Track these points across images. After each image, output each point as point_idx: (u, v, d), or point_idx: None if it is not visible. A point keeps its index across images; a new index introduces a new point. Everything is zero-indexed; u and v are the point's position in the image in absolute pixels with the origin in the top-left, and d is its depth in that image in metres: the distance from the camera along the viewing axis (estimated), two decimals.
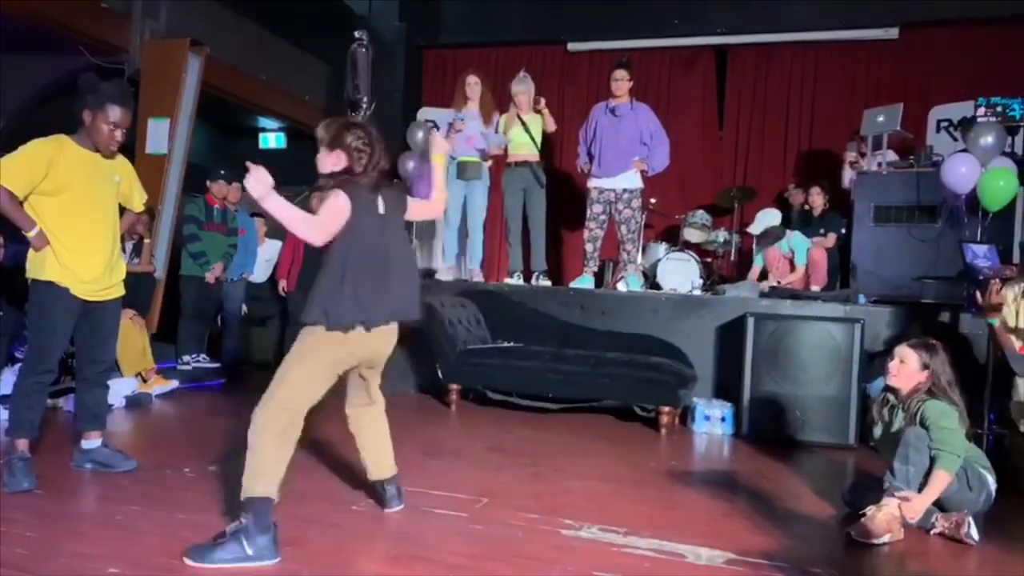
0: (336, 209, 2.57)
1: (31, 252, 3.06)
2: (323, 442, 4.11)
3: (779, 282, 6.27)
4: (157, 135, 6.77)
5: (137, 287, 5.14)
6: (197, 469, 3.40)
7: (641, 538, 2.74)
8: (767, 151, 8.25)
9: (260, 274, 7.14)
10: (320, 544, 2.56)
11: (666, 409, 4.78)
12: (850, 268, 5.89)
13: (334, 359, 2.65)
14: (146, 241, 5.92)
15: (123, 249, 5.65)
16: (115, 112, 3.11)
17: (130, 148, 3.48)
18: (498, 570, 2.40)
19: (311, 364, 2.58)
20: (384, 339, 2.79)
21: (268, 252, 7.22)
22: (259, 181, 2.45)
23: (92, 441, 3.30)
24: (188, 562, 2.33)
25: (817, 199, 6.87)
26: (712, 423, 4.90)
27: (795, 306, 5.28)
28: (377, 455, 3.01)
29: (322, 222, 2.57)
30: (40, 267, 3.05)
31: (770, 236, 6.43)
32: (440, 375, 5.35)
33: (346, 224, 2.59)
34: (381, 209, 2.72)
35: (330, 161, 2.70)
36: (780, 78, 8.22)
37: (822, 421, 4.66)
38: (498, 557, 2.50)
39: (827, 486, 3.65)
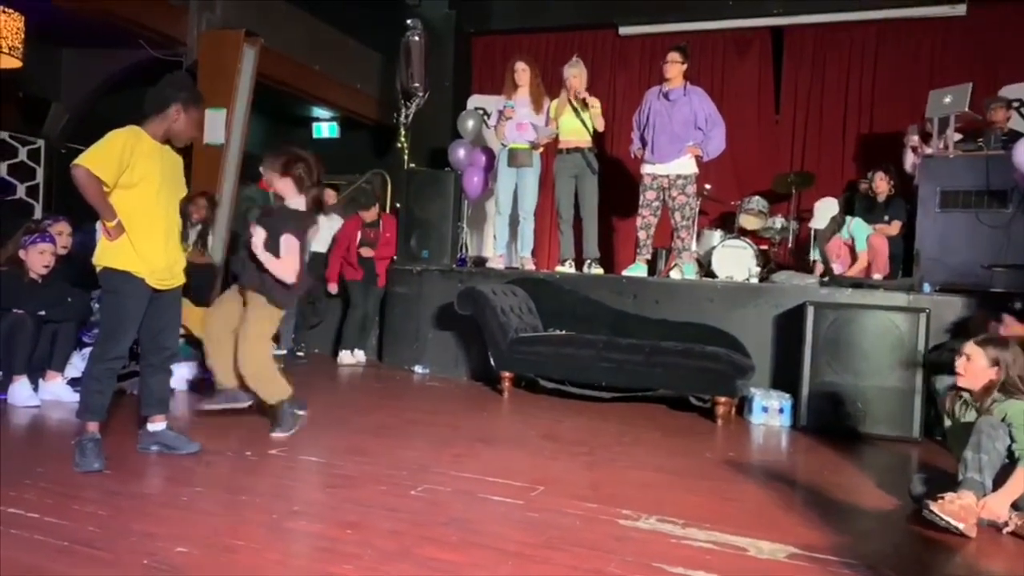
0: None
1: (102, 241, 3.14)
2: (381, 428, 4.16)
3: (842, 272, 6.09)
4: (214, 126, 6.90)
5: (198, 277, 5.24)
6: (258, 452, 3.46)
7: (700, 530, 2.70)
8: (826, 135, 8.03)
9: (322, 244, 7.12)
10: (379, 527, 2.58)
11: (722, 399, 4.70)
12: (914, 255, 5.70)
13: None
14: (192, 229, 5.99)
15: (186, 237, 5.78)
16: (201, 111, 3.35)
17: None
18: (557, 559, 2.39)
19: None
20: None
21: (333, 223, 7.22)
22: None
23: (157, 424, 3.39)
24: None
25: (881, 184, 6.63)
26: (770, 414, 4.81)
27: (856, 295, 5.14)
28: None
29: None
30: (116, 256, 3.12)
31: (829, 229, 6.27)
32: (492, 363, 5.35)
33: None
34: None
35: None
36: (839, 59, 7.98)
37: (885, 413, 4.54)
38: (556, 546, 2.49)
39: (891, 480, 3.55)
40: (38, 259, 4.36)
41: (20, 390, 4.19)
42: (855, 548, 2.62)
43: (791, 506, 3.11)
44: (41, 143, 7.75)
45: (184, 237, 5.67)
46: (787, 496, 3.26)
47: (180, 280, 3.38)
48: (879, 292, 5.17)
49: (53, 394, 4.32)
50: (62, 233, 4.73)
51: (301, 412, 4.05)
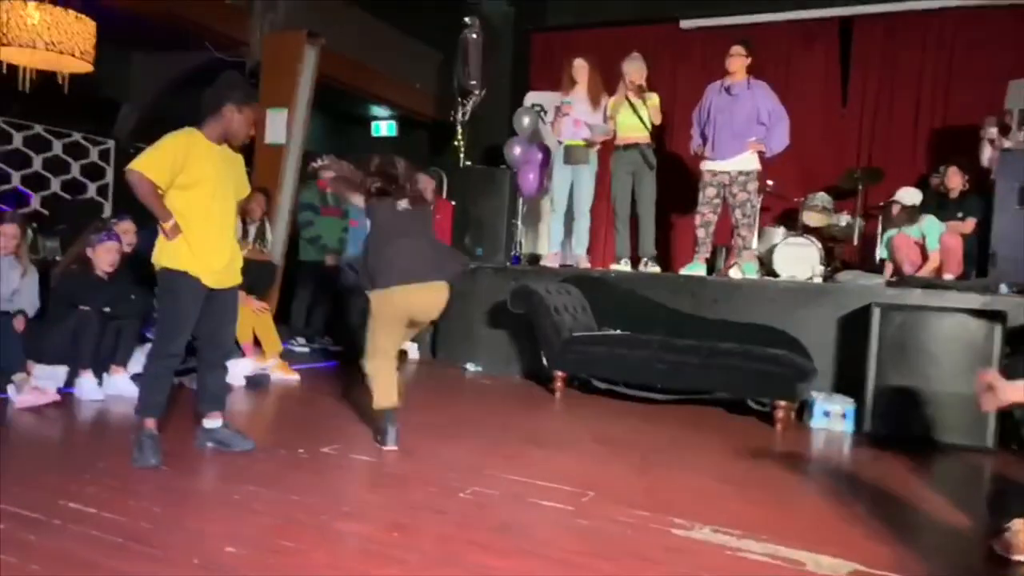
0: None
1: (161, 240, 3.20)
2: (432, 426, 4.15)
3: (912, 272, 5.81)
4: (275, 125, 7.03)
5: (257, 274, 5.34)
6: (311, 450, 3.49)
7: (757, 541, 2.60)
8: (895, 128, 7.70)
9: None
10: (426, 530, 2.56)
11: (783, 403, 4.54)
12: (989, 255, 5.41)
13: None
14: (252, 225, 6.09)
15: (245, 234, 5.91)
16: (255, 109, 3.37)
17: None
18: (606, 569, 2.32)
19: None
20: None
21: None
22: None
23: (213, 421, 3.45)
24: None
25: (955, 179, 6.31)
26: (832, 419, 4.63)
27: (926, 296, 4.91)
28: None
29: None
30: (173, 256, 3.18)
31: (903, 215, 5.94)
32: (545, 362, 5.30)
33: None
34: None
35: None
36: (911, 49, 7.63)
37: (956, 421, 4.32)
38: (606, 555, 2.43)
39: (962, 493, 3.38)
40: (104, 257, 4.50)
41: (86, 384, 4.33)
42: (924, 566, 2.49)
43: (854, 518, 2.97)
44: (111, 144, 8.04)
45: (244, 235, 5.81)
46: (850, 507, 3.11)
47: (237, 280, 3.43)
48: (951, 293, 4.93)
49: (117, 388, 4.44)
50: (127, 232, 4.86)
51: None
